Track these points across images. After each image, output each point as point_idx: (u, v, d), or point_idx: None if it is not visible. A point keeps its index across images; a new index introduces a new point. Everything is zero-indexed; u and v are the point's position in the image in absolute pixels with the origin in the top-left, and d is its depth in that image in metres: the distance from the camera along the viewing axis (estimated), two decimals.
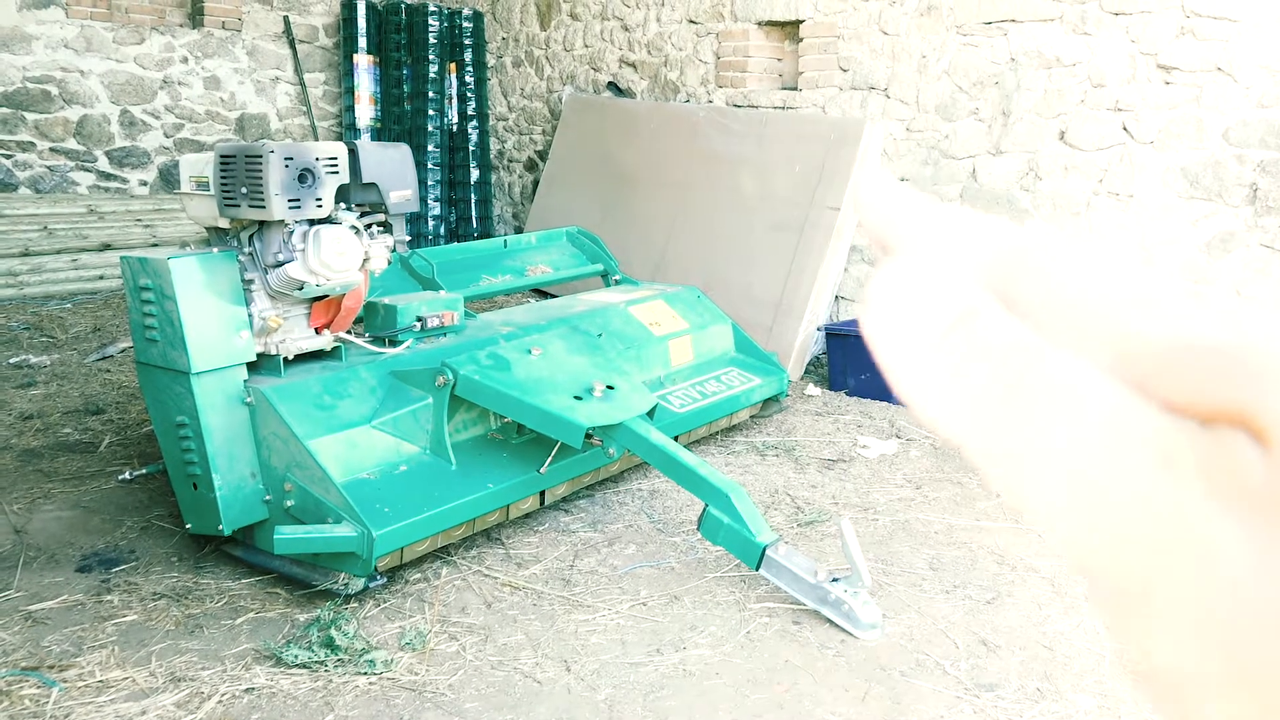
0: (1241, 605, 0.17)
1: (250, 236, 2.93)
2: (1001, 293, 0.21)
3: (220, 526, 2.79)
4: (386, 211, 3.04)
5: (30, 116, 6.82)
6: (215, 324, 2.79)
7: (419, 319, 3.28)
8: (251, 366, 2.90)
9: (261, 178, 2.75)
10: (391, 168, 3.02)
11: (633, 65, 6.69)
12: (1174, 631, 0.18)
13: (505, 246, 4.41)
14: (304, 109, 7.97)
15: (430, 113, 7.64)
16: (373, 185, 2.98)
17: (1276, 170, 3.97)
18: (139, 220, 6.81)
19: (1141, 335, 0.20)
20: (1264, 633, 0.17)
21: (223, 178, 2.85)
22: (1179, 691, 0.18)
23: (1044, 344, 0.20)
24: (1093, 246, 0.21)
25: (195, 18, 7.50)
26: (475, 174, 7.83)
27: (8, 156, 6.77)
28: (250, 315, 2.88)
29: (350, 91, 7.81)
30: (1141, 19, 4.25)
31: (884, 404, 4.57)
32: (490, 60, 7.94)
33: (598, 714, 2.27)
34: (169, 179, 7.30)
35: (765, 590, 2.80)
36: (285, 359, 2.96)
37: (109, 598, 2.73)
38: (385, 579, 2.76)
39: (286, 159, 2.77)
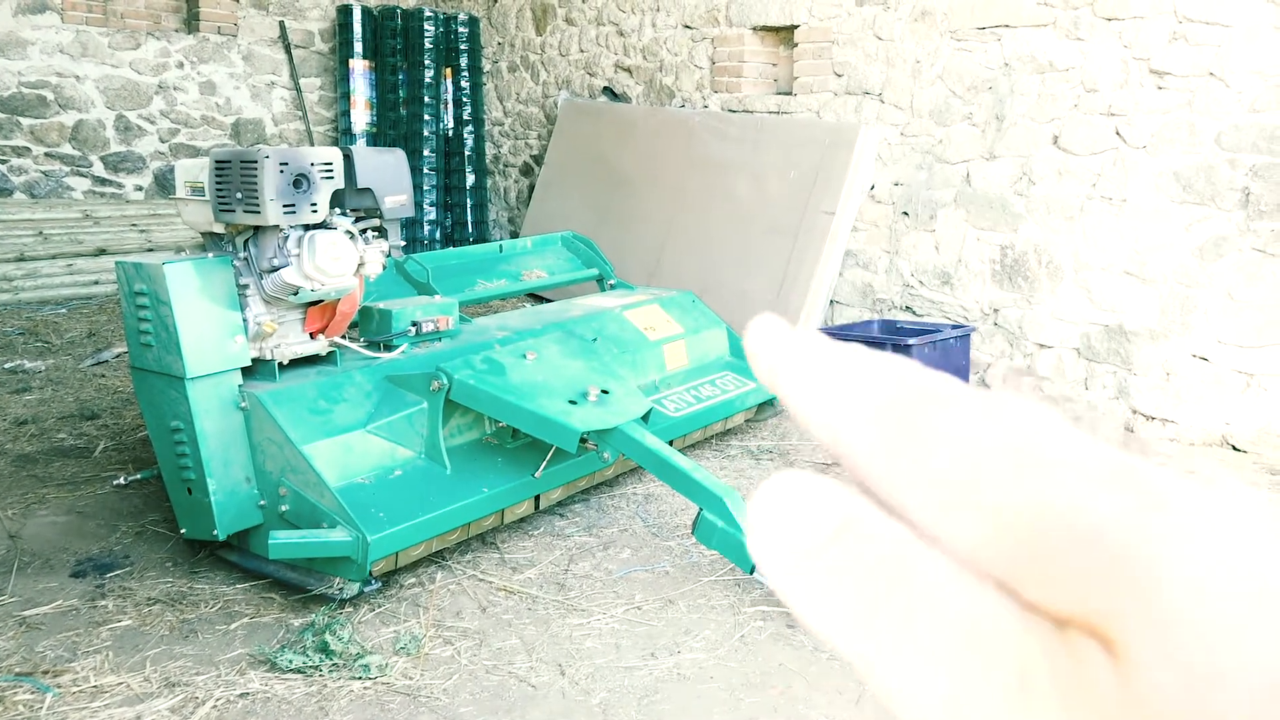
0: None
1: (245, 242, 2.93)
2: (885, 455, 0.21)
3: (215, 531, 2.79)
4: (381, 216, 3.05)
5: (25, 122, 6.82)
6: (210, 329, 2.80)
7: (414, 324, 3.28)
8: (247, 372, 2.90)
9: (256, 183, 2.76)
10: (386, 173, 3.03)
11: (628, 70, 6.71)
12: None
13: (500, 251, 4.42)
14: (299, 114, 7.98)
15: (426, 118, 7.64)
16: (368, 190, 2.99)
17: (1268, 174, 3.98)
18: (134, 225, 6.81)
19: (1014, 511, 0.19)
20: None
21: (218, 183, 2.86)
22: None
23: (916, 548, 0.20)
24: (1008, 403, 0.20)
25: (191, 23, 7.50)
26: (471, 179, 7.84)
27: (3, 161, 6.77)
28: (245, 320, 2.88)
29: (346, 96, 7.82)
30: (1134, 24, 4.27)
31: None
32: (486, 65, 7.95)
33: (592, 718, 2.27)
34: (164, 184, 7.30)
35: (760, 594, 2.81)
36: (280, 364, 2.96)
37: (103, 603, 2.73)
38: (380, 584, 2.76)
39: (281, 164, 2.78)
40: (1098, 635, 0.18)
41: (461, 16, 7.80)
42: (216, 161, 2.86)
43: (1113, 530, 0.18)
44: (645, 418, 3.06)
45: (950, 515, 0.20)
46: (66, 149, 6.99)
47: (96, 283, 6.45)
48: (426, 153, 7.64)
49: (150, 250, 6.69)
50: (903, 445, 0.20)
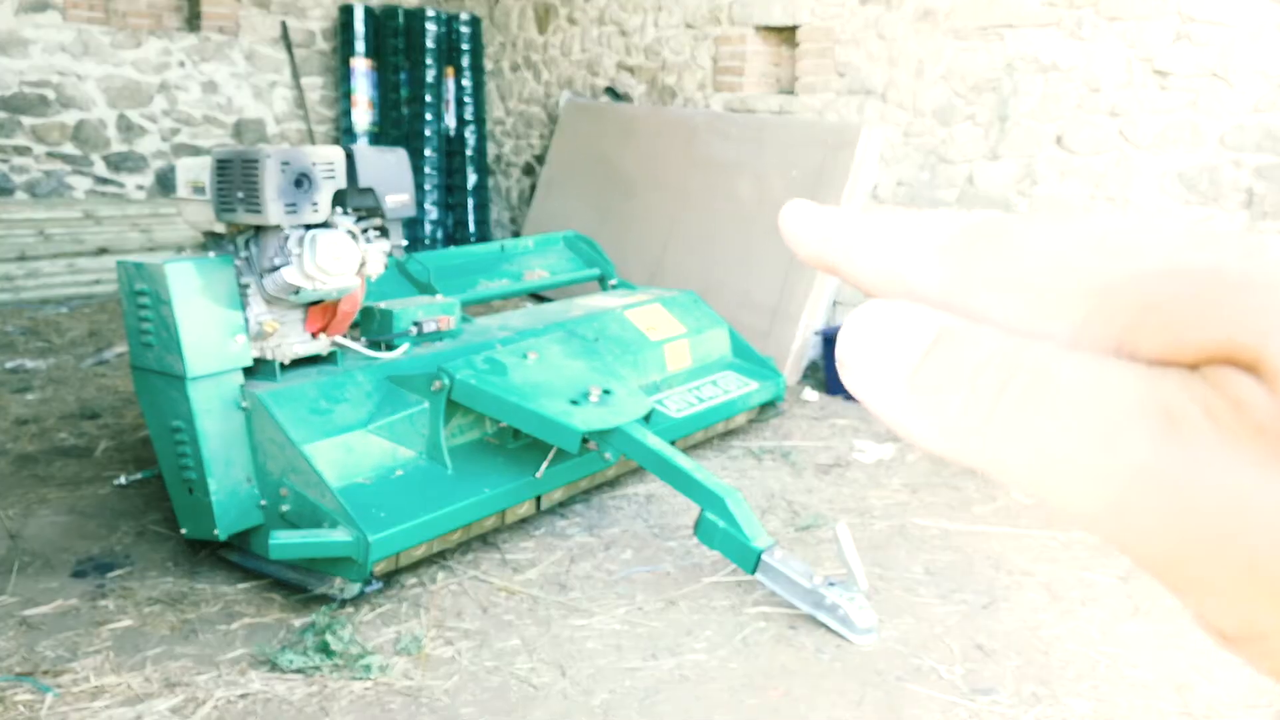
0: None
1: (247, 241, 2.93)
2: (960, 278, 0.21)
3: (216, 531, 2.78)
4: (383, 216, 3.04)
5: (27, 121, 6.81)
6: (211, 328, 2.79)
7: (415, 324, 3.28)
8: (248, 372, 2.89)
9: (258, 182, 2.75)
10: (388, 172, 3.02)
11: (630, 70, 6.70)
12: (1243, 596, 0.17)
13: (502, 251, 4.41)
14: (301, 113, 7.98)
15: (428, 117, 7.64)
16: (369, 190, 2.98)
17: (1272, 174, 3.97)
18: (136, 225, 6.81)
19: (1112, 282, 0.19)
20: None
21: (219, 182, 2.85)
22: (1270, 648, 0.18)
23: (1019, 341, 0.19)
24: (1052, 214, 0.21)
25: (192, 22, 7.50)
26: (473, 178, 7.83)
27: (4, 161, 6.76)
28: (246, 320, 2.88)
29: (347, 96, 7.81)
30: (1137, 24, 4.26)
31: None
32: (488, 65, 7.94)
33: (593, 719, 2.27)
34: (166, 184, 7.29)
35: (761, 595, 2.80)
36: (281, 364, 2.95)
37: (104, 603, 2.73)
38: (381, 584, 2.76)
39: (283, 163, 2.77)
40: (1243, 364, 0.17)
41: (464, 16, 7.79)
42: (218, 161, 2.85)
43: (1231, 265, 0.18)
44: (647, 418, 3.05)
45: (1048, 308, 0.19)
46: (68, 148, 6.99)
47: (98, 282, 6.45)
48: (428, 152, 7.63)
49: (151, 250, 6.69)
50: (981, 263, 0.20)
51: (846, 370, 0.21)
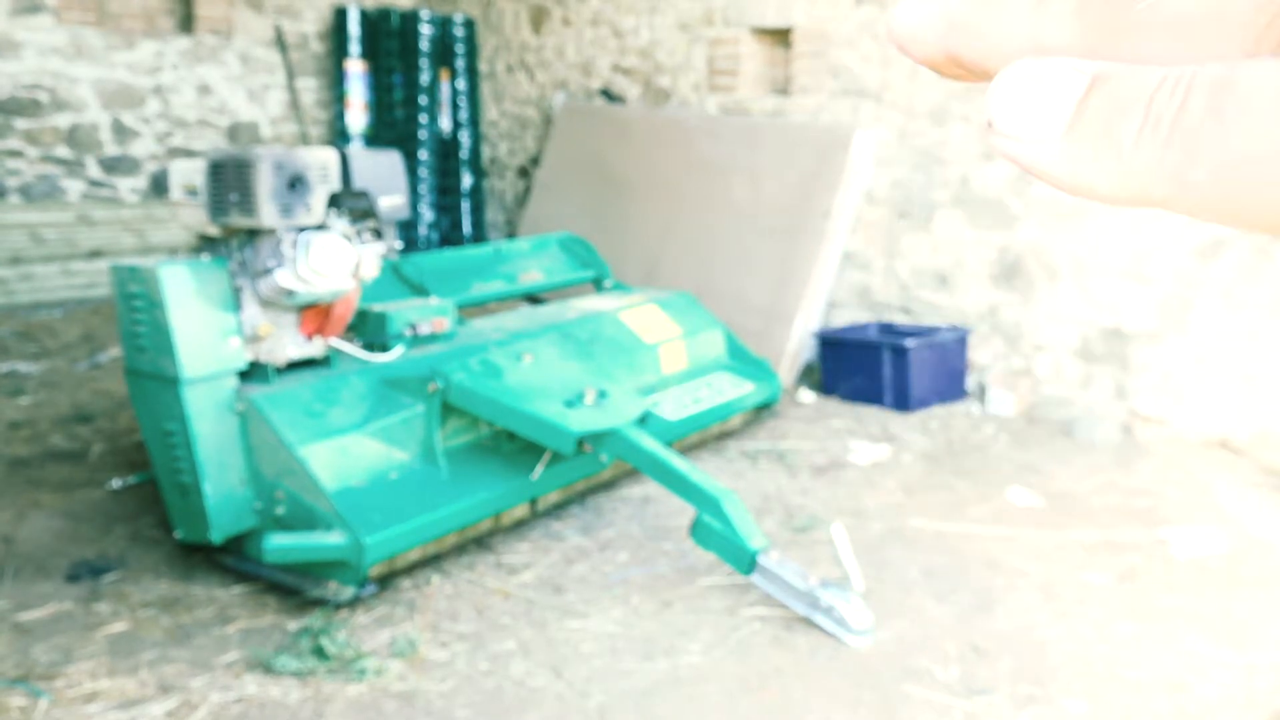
0: None
1: (241, 244, 2.92)
2: (1105, 28, 0.21)
3: (210, 535, 2.78)
4: (378, 218, 3.04)
5: (20, 123, 6.80)
6: (205, 331, 2.79)
7: (410, 326, 3.27)
8: (243, 375, 2.89)
9: (251, 185, 2.75)
10: (382, 174, 3.02)
11: (625, 71, 6.70)
12: None
13: (497, 253, 4.41)
14: (295, 116, 7.96)
15: (422, 119, 7.63)
16: (364, 192, 2.98)
17: None
18: (129, 228, 6.80)
19: None
20: None
21: (213, 185, 2.85)
22: None
23: (1178, 66, 0.19)
24: None
25: (186, 24, 7.49)
26: (467, 180, 7.83)
27: None
28: (241, 323, 2.87)
29: (342, 98, 7.81)
30: None
31: (876, 409, 4.58)
32: (483, 67, 7.94)
33: None
34: (160, 186, 7.28)
35: (757, 596, 2.80)
36: (276, 367, 2.95)
37: (98, 607, 2.72)
38: (376, 587, 2.75)
39: (277, 166, 2.77)
40: None
41: (458, 18, 7.79)
42: (212, 163, 2.85)
43: None
44: (642, 420, 3.05)
45: (1211, 33, 0.19)
46: (62, 151, 6.97)
47: (91, 285, 6.44)
48: (423, 154, 7.63)
49: (145, 253, 6.68)
50: (1126, 8, 0.20)
51: (996, 131, 0.21)
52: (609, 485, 3.60)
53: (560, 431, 2.86)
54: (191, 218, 2.96)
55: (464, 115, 7.81)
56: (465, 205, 7.83)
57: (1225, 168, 0.18)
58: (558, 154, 6.92)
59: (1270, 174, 0.18)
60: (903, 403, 4.54)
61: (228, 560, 2.94)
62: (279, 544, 2.59)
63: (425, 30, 7.62)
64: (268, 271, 2.86)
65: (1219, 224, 0.19)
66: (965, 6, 0.23)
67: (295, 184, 2.81)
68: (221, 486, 2.78)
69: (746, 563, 2.70)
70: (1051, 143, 0.20)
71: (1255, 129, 0.18)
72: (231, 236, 2.94)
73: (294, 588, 2.77)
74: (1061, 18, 0.21)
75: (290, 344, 3.00)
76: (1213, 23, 0.19)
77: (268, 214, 2.76)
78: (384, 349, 3.22)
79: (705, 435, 4.01)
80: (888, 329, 4.96)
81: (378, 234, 3.07)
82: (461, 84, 7.79)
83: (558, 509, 3.38)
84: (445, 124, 7.79)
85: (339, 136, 7.82)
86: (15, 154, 6.80)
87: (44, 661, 2.45)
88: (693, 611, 2.74)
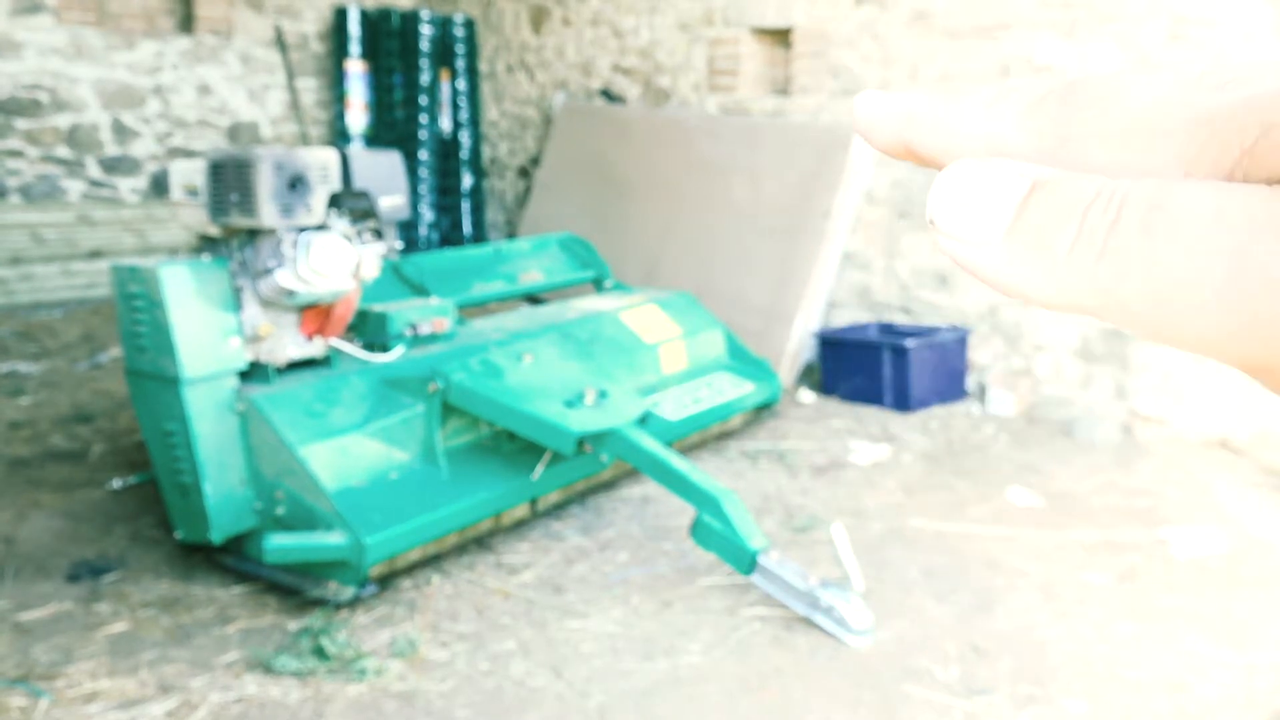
0: None
1: (241, 244, 2.92)
2: (1053, 133, 0.21)
3: (210, 535, 2.78)
4: (378, 218, 3.04)
5: (20, 123, 6.80)
6: (205, 331, 2.79)
7: (410, 326, 3.27)
8: (243, 375, 2.89)
9: (252, 185, 2.75)
10: (382, 174, 3.02)
11: (625, 72, 6.70)
12: None
13: (497, 253, 4.41)
14: (296, 116, 7.97)
15: (423, 119, 7.64)
16: (364, 192, 2.98)
17: None
18: (130, 228, 6.80)
19: (1223, 110, 0.18)
20: None
21: (213, 185, 2.85)
22: None
23: (1120, 182, 0.19)
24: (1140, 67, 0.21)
25: (186, 24, 7.49)
26: (468, 181, 7.83)
27: None
28: (241, 323, 2.87)
29: (342, 98, 7.81)
30: (1131, 25, 4.27)
31: (876, 409, 4.58)
32: (483, 67, 7.94)
33: None
34: (160, 187, 7.28)
35: (757, 596, 2.80)
36: (276, 367, 2.95)
37: (98, 607, 2.72)
38: (376, 587, 2.75)
39: (277, 166, 2.77)
40: None
41: (458, 18, 7.79)
42: (212, 163, 2.85)
43: None
44: (642, 420, 3.05)
45: (1153, 147, 0.19)
46: (62, 151, 6.97)
47: (92, 285, 6.44)
48: (423, 154, 7.63)
49: (146, 253, 6.68)
50: (1076, 115, 0.20)
51: (938, 229, 0.21)
52: (609, 485, 3.60)
53: (560, 431, 2.86)
54: (192, 218, 2.96)
55: (464, 115, 7.81)
56: (465, 205, 7.83)
57: (1154, 287, 0.18)
58: (558, 154, 6.92)
59: (1196, 298, 0.18)
60: (903, 403, 4.54)
61: (228, 560, 2.94)
62: (279, 544, 2.59)
63: (425, 30, 7.62)
64: (268, 271, 2.86)
65: (1153, 341, 0.19)
66: (922, 102, 0.24)
67: (295, 184, 2.81)
68: (222, 486, 2.78)
69: (746, 563, 2.70)
70: (991, 245, 0.20)
71: (1182, 253, 0.18)
72: (232, 236, 2.94)
73: (294, 588, 2.78)
74: (1011, 119, 0.21)
75: (290, 344, 3.01)
76: (1156, 137, 0.19)
77: (268, 214, 2.76)
78: (384, 349, 3.22)
79: (705, 435, 4.01)
80: (888, 329, 4.96)
81: (378, 234, 3.07)
82: (462, 84, 7.79)
83: (558, 509, 3.38)
84: (445, 124, 7.80)
85: (339, 137, 7.82)
86: (15, 154, 6.80)
87: (44, 661, 2.45)
88: (693, 611, 2.74)
